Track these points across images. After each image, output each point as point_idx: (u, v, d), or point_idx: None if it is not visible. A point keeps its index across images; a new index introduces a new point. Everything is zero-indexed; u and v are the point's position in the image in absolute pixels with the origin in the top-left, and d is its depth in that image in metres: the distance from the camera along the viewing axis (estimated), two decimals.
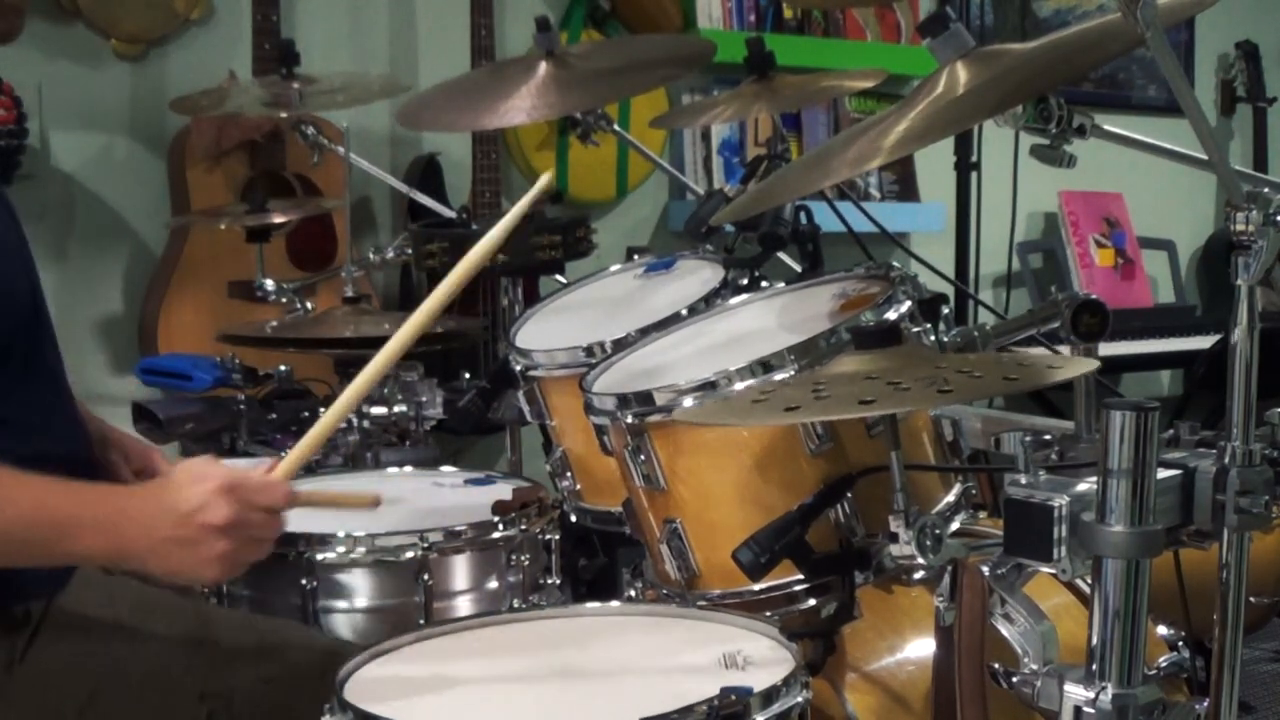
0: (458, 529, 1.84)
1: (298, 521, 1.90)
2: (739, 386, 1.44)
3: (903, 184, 4.11)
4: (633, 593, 1.72)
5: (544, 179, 1.61)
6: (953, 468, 1.58)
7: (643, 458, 1.53)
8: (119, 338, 3.18)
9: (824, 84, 2.45)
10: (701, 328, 1.75)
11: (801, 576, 1.45)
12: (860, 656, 1.51)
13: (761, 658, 1.36)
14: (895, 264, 1.67)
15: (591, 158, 3.42)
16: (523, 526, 1.89)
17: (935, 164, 3.79)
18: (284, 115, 2.79)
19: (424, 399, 2.42)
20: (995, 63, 1.30)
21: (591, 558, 2.60)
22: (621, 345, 1.74)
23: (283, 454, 1.48)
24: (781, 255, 1.97)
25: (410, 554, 1.79)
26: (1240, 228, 1.14)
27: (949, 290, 2.06)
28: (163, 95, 3.10)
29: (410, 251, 2.54)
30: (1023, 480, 1.16)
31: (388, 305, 3.32)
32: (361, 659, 1.41)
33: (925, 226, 3.96)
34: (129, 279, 3.19)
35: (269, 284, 2.62)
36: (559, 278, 2.26)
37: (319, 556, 1.79)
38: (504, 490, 1.99)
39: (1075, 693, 1.16)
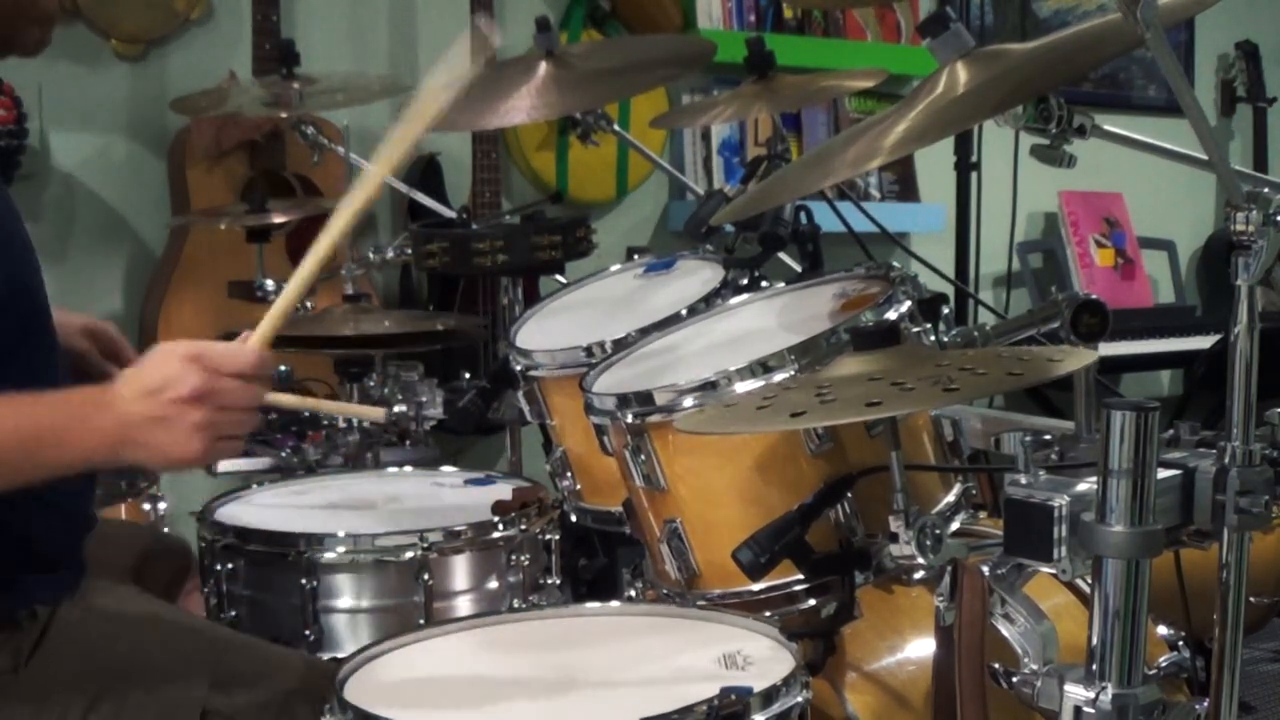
0: (458, 529, 1.84)
1: (298, 521, 1.92)
2: (739, 387, 1.44)
3: (903, 184, 4.11)
4: (633, 593, 1.72)
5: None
6: (953, 468, 1.58)
7: (643, 457, 1.53)
8: None
9: (824, 84, 2.45)
10: (701, 328, 1.74)
11: (801, 576, 1.45)
12: (860, 656, 1.51)
13: (761, 658, 1.36)
14: (895, 264, 1.67)
15: (591, 158, 3.42)
16: (523, 526, 1.89)
17: (935, 164, 3.79)
18: (284, 115, 2.79)
19: (424, 399, 2.41)
20: (995, 63, 1.30)
21: (591, 558, 2.60)
22: (621, 345, 1.74)
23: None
24: (781, 255, 1.97)
25: (410, 554, 1.79)
26: (1240, 228, 1.14)
27: (949, 290, 2.06)
28: (163, 95, 3.09)
29: (410, 251, 2.54)
30: (1023, 480, 1.16)
31: (388, 305, 3.31)
32: (361, 659, 1.41)
33: (925, 226, 3.96)
34: (129, 279, 3.18)
35: (269, 284, 2.61)
36: (559, 278, 2.26)
37: (319, 556, 1.79)
38: (504, 490, 2.00)
39: (1075, 693, 1.16)
